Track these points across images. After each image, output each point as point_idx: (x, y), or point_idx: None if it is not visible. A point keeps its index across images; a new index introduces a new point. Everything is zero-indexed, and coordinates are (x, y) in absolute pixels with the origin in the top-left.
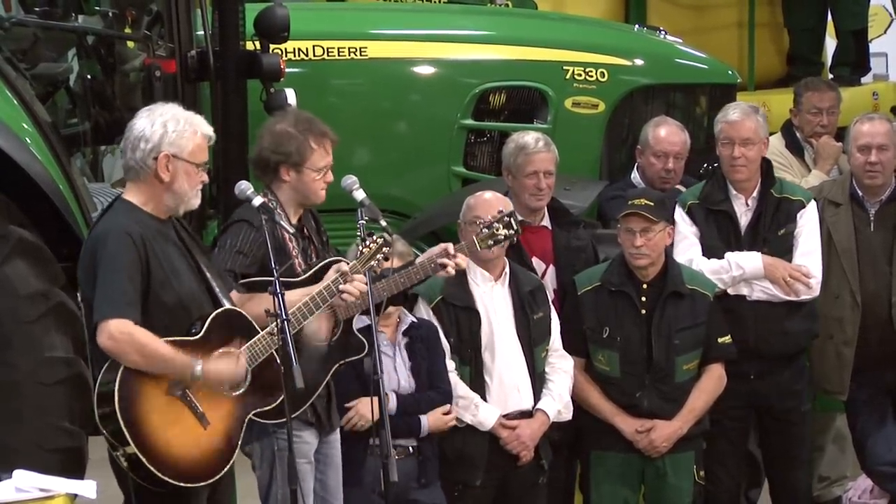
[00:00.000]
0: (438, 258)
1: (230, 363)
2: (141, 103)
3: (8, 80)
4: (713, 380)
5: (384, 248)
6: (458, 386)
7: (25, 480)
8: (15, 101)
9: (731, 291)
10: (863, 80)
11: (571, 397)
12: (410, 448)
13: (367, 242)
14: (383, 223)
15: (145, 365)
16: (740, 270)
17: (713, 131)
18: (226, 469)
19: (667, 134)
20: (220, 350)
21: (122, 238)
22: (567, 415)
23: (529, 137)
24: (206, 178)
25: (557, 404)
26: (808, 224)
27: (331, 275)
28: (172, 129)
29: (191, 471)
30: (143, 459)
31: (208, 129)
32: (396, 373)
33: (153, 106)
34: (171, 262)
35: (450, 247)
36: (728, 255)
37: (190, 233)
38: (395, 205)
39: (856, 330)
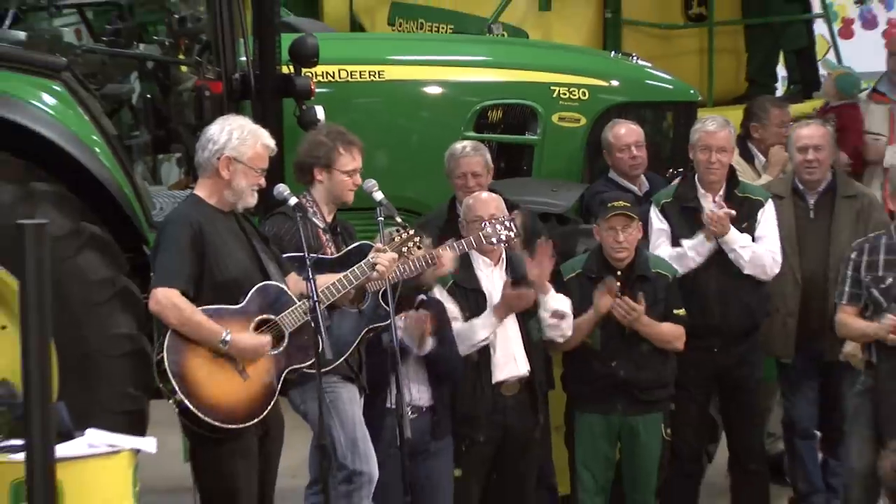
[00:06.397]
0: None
1: (255, 339)
2: (192, 119)
3: (80, 99)
4: (672, 326)
5: (415, 238)
6: (456, 323)
7: (96, 438)
8: (86, 117)
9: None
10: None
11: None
12: (424, 408)
13: (400, 232)
14: (398, 219)
15: (182, 329)
16: (693, 251)
17: (678, 142)
18: (264, 414)
19: (625, 131)
20: (259, 318)
21: (180, 222)
22: (567, 330)
23: (459, 145)
24: (262, 181)
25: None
26: (767, 217)
27: (372, 253)
28: (237, 137)
29: (232, 415)
30: (189, 405)
31: (270, 142)
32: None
33: (227, 116)
34: (228, 247)
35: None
36: (683, 242)
37: (252, 224)
38: (409, 204)
39: (797, 303)
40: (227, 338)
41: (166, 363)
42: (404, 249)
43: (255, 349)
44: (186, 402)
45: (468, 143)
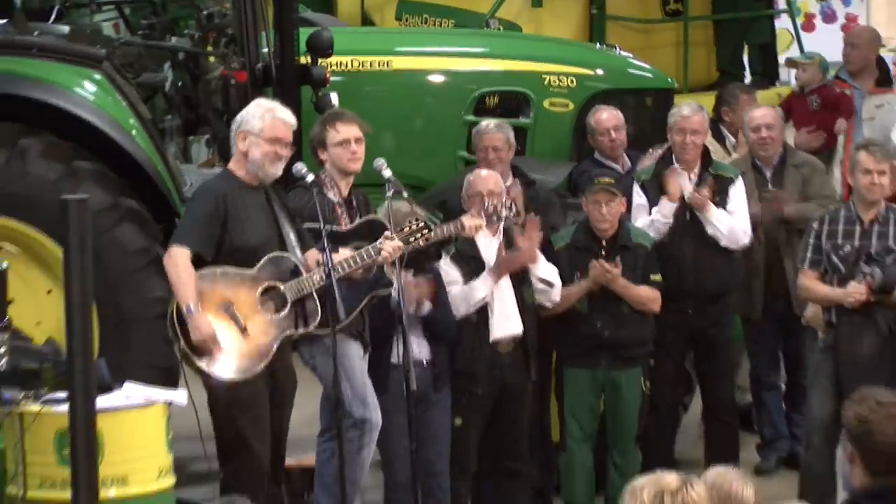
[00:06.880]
0: (455, 223)
1: (206, 328)
2: (219, 104)
3: (118, 87)
4: (648, 289)
5: (424, 231)
6: (454, 288)
7: (133, 391)
8: (123, 103)
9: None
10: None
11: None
12: (424, 362)
13: (411, 223)
14: (405, 195)
15: (171, 285)
16: (658, 214)
17: (657, 125)
18: (258, 370)
19: (606, 116)
20: (266, 284)
21: (206, 192)
22: (555, 296)
23: (485, 122)
24: (282, 152)
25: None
26: (737, 193)
27: (381, 239)
28: (251, 113)
29: (224, 366)
30: (189, 353)
31: (284, 115)
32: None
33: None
34: (250, 217)
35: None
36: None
37: (282, 200)
38: (415, 181)
39: (761, 264)
40: (192, 308)
41: (173, 315)
42: (412, 240)
43: (201, 334)
44: (187, 349)
45: (493, 122)
